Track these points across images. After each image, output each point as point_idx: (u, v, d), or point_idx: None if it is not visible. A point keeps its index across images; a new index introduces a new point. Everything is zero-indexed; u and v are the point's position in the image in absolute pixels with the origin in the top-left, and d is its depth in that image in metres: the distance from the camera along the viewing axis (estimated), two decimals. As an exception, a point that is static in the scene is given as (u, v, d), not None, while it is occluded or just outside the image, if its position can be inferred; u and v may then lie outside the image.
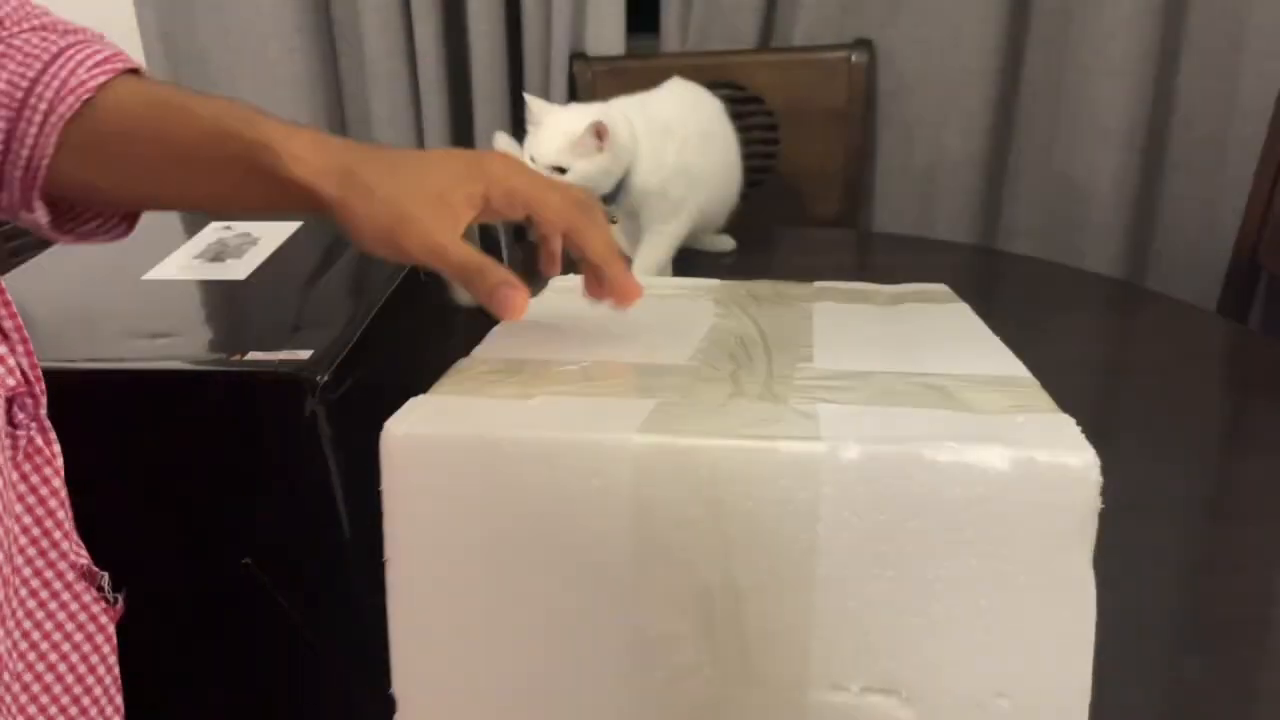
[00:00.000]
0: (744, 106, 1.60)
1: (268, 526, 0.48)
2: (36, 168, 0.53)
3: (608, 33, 1.62)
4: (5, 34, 0.54)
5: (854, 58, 1.57)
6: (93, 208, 0.58)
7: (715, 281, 0.76)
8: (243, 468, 0.59)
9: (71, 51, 0.54)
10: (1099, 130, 1.49)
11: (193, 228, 0.80)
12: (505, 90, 1.69)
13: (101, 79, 0.53)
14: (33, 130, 0.53)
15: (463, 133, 1.71)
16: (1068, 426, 0.55)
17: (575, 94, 1.61)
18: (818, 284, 0.75)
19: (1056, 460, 0.51)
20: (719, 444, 0.47)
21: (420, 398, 0.54)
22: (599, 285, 0.59)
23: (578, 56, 1.61)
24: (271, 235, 0.78)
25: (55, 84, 0.53)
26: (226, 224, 0.81)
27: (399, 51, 1.68)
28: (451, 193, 0.53)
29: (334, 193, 0.52)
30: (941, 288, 0.76)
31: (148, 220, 0.86)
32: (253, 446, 0.59)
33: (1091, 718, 0.67)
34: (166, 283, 0.70)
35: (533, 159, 1.11)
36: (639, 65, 1.59)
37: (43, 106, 0.53)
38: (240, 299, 0.68)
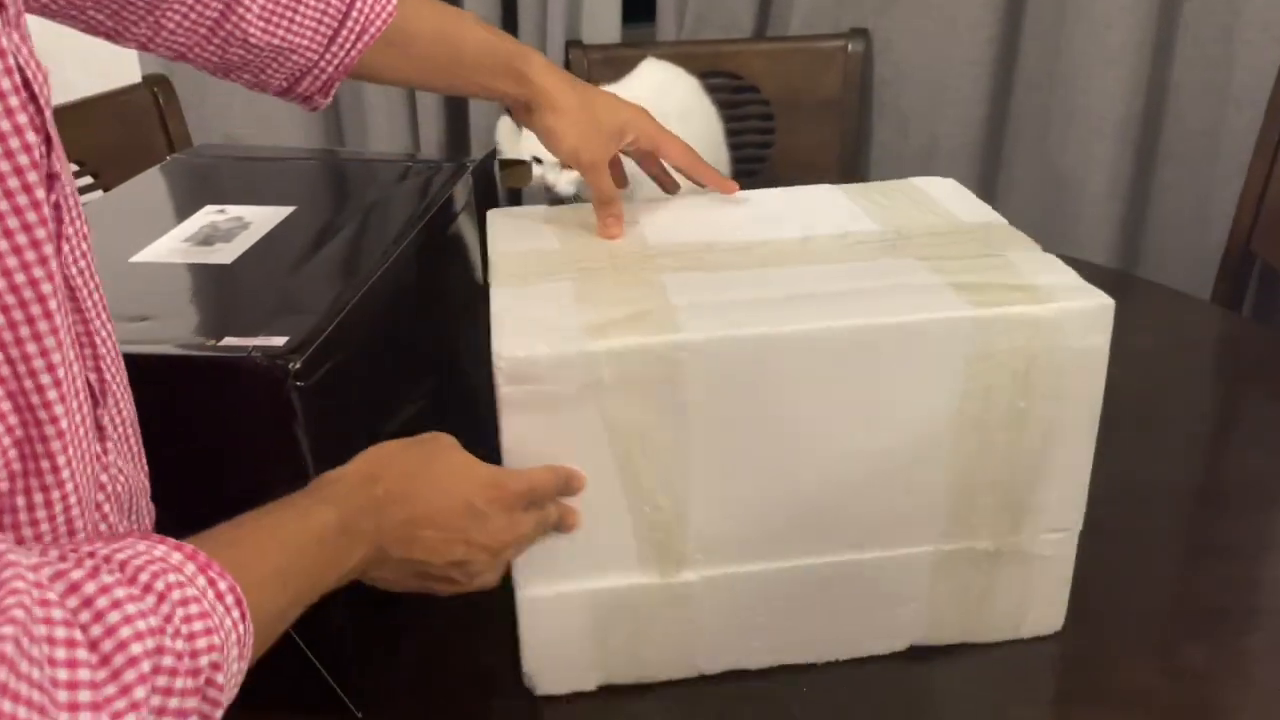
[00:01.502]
0: (739, 95, 1.59)
1: (241, 509, 0.48)
2: (346, 68, 0.72)
3: (603, 21, 1.61)
4: None
5: (850, 47, 1.57)
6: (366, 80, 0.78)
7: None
8: (218, 452, 0.59)
9: None
10: (1093, 120, 1.49)
11: (185, 211, 0.79)
12: (500, 78, 1.68)
13: (394, 2, 0.72)
14: (351, 38, 0.71)
15: (458, 120, 1.70)
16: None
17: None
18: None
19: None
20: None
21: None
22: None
23: (574, 45, 1.60)
24: (263, 220, 0.77)
25: (369, 1, 0.71)
26: (220, 208, 0.80)
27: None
28: (615, 136, 0.78)
29: (566, 104, 0.75)
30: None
31: (138, 204, 0.86)
32: (228, 431, 0.59)
33: (1093, 700, 0.67)
34: (153, 265, 0.70)
35: (537, 159, 1.12)
36: (635, 54, 1.58)
37: (360, 19, 0.71)
38: (224, 283, 0.68)
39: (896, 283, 0.64)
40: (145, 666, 0.38)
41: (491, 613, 0.66)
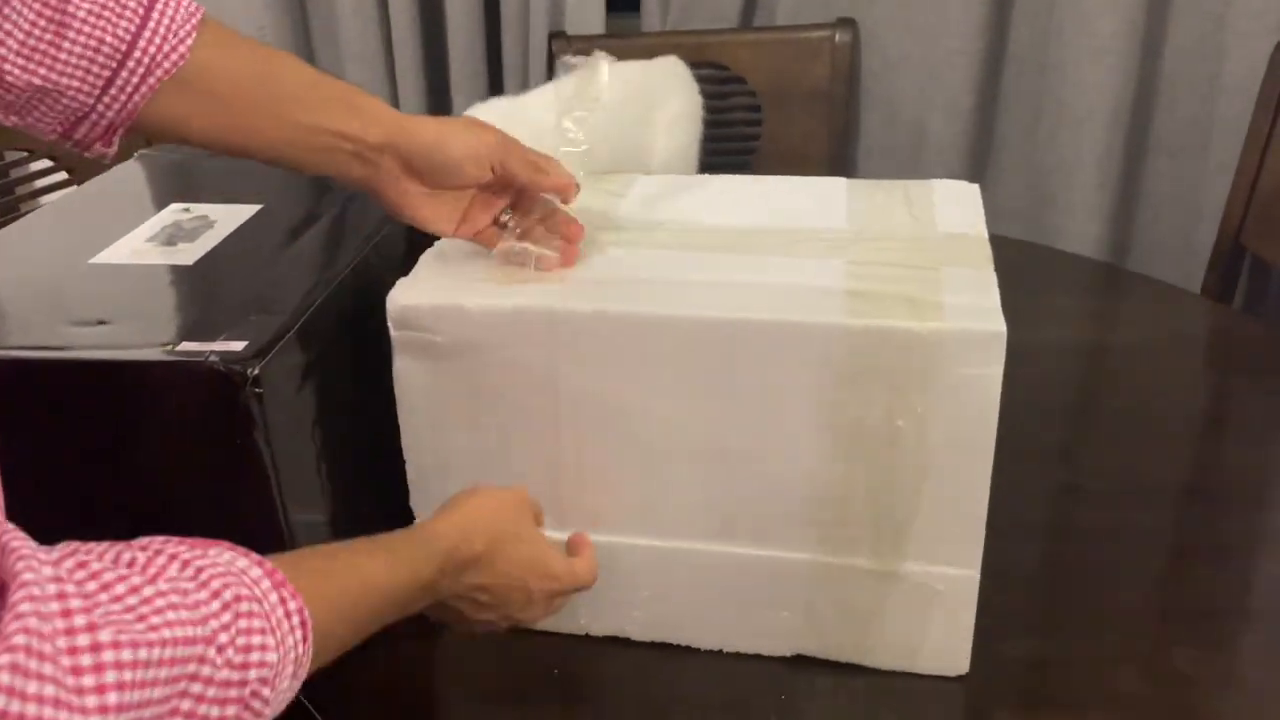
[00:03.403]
0: (726, 86, 1.57)
1: (204, 515, 0.47)
2: (129, 114, 0.62)
3: (587, 11, 1.59)
4: None
5: (837, 37, 1.55)
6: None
7: None
8: (179, 462, 0.58)
9: (161, 5, 0.61)
10: (1083, 111, 1.47)
11: (150, 209, 0.77)
12: (483, 70, 1.67)
13: (190, 43, 0.61)
14: (133, 80, 0.61)
15: (440, 112, 1.69)
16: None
17: (554, 74, 1.59)
18: None
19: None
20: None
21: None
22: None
23: (557, 35, 1.58)
24: (228, 219, 0.75)
25: (156, 40, 0.61)
26: (185, 205, 0.79)
27: (374, 30, 1.65)
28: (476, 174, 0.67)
29: (415, 125, 0.65)
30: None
31: (104, 201, 0.84)
32: (188, 440, 0.58)
33: (1078, 705, 0.66)
34: (113, 267, 0.68)
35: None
36: (619, 44, 1.56)
37: (145, 60, 0.60)
38: (186, 285, 0.66)
39: (799, 282, 0.64)
40: (176, 657, 0.39)
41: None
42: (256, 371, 0.55)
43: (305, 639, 0.45)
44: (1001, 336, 0.58)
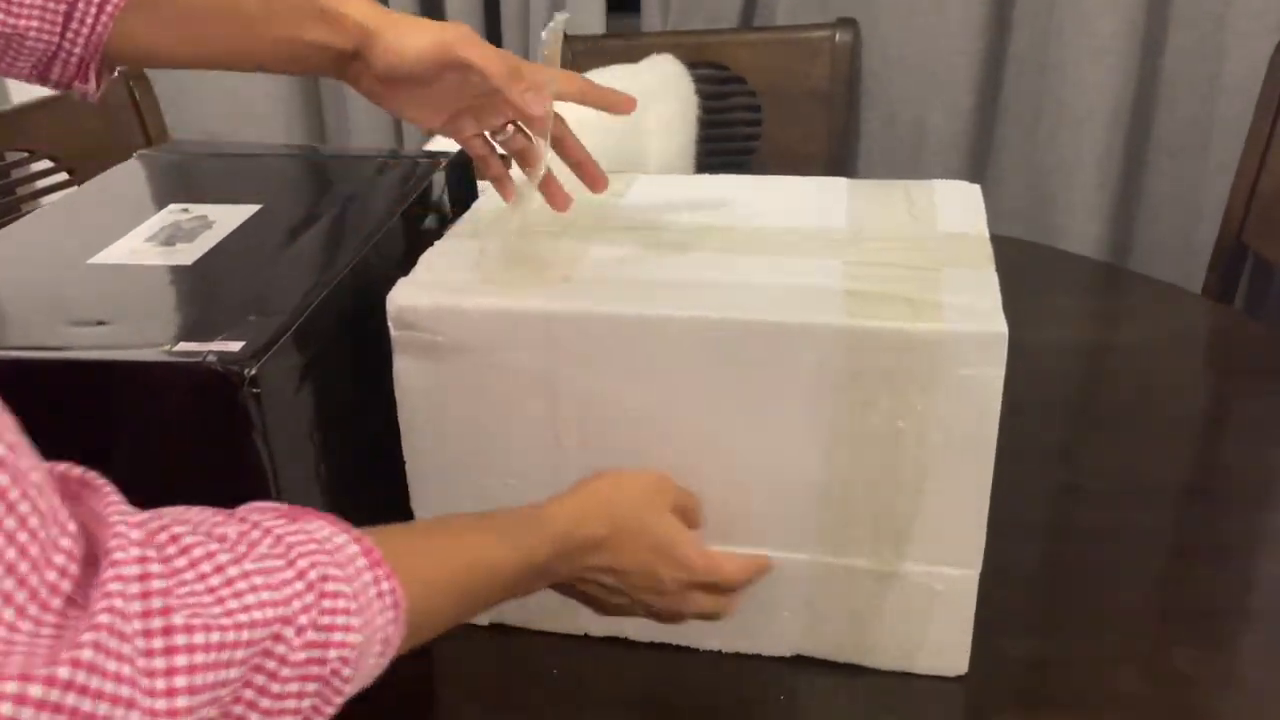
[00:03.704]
0: (726, 87, 1.57)
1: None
2: (95, 47, 0.61)
3: (588, 11, 1.59)
4: None
5: (837, 37, 1.55)
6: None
7: None
8: (178, 463, 0.58)
9: None
10: (1083, 110, 1.47)
11: (149, 209, 0.77)
12: (483, 70, 1.67)
13: None
14: (92, 10, 0.60)
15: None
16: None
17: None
18: None
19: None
20: None
21: None
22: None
23: (557, 36, 1.58)
24: (228, 218, 0.75)
25: None
26: (184, 206, 0.79)
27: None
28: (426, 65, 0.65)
29: (377, 23, 0.63)
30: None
31: (103, 201, 0.84)
32: (187, 441, 0.58)
33: (1079, 705, 0.66)
34: (111, 267, 0.68)
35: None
36: (620, 45, 1.56)
37: None
38: (184, 285, 0.66)
39: (799, 283, 0.64)
40: (253, 640, 0.39)
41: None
42: (254, 372, 0.55)
43: (396, 620, 0.45)
44: (1003, 337, 0.58)
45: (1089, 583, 0.76)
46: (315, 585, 0.42)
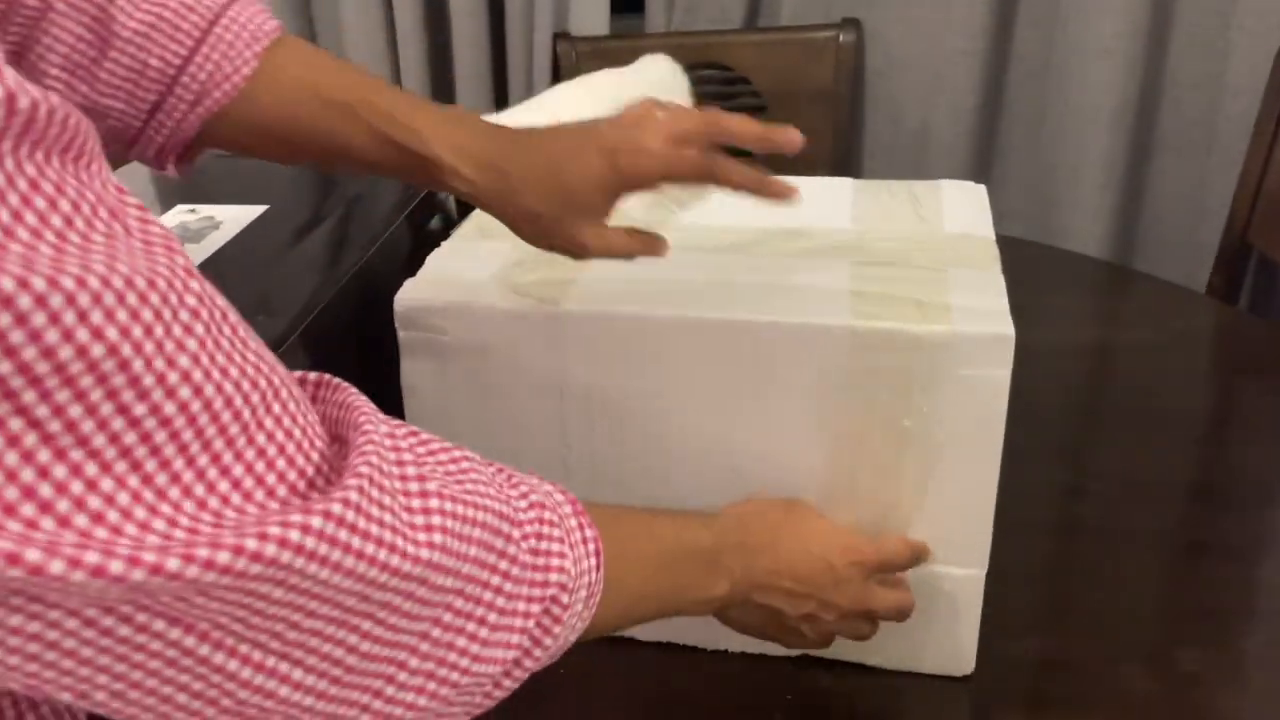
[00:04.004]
0: (731, 87, 1.57)
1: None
2: (180, 141, 0.58)
3: (592, 12, 1.59)
4: None
5: (842, 37, 1.55)
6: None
7: None
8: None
9: (220, 29, 0.55)
10: (1088, 110, 1.47)
11: (156, 210, 0.78)
12: (488, 70, 1.67)
13: (248, 70, 0.56)
14: (181, 108, 0.56)
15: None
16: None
17: (559, 75, 1.59)
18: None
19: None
20: None
21: None
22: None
23: (561, 36, 1.59)
24: (235, 220, 0.76)
25: (209, 67, 0.55)
26: (191, 207, 0.79)
27: (379, 31, 1.65)
28: (593, 202, 0.57)
29: (498, 209, 0.58)
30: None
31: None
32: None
33: (1084, 705, 0.66)
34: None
35: None
36: (623, 45, 1.57)
37: (195, 87, 0.55)
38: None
39: (805, 283, 0.64)
40: (487, 523, 0.41)
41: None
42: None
43: (598, 568, 0.46)
44: (1009, 339, 0.58)
45: (1095, 582, 0.76)
46: (535, 506, 0.43)
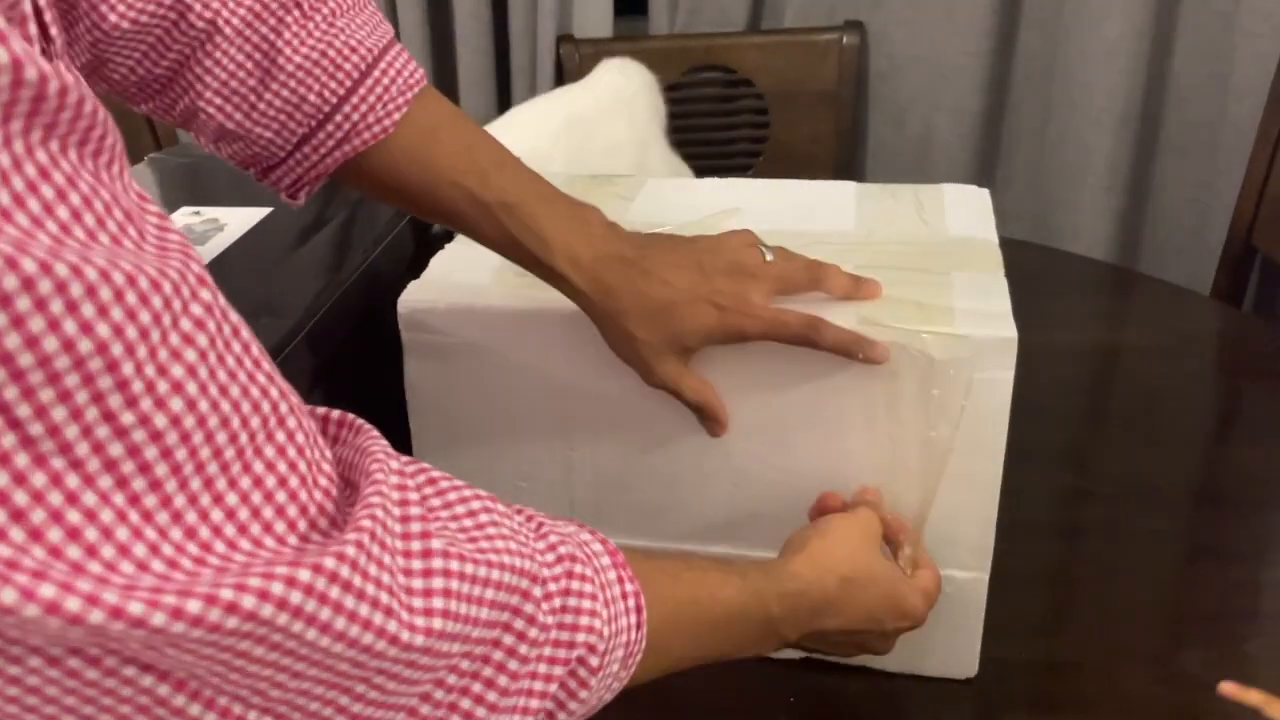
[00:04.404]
0: (733, 89, 1.58)
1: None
2: (317, 176, 0.58)
3: (595, 14, 1.59)
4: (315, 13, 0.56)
5: (845, 39, 1.55)
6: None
7: None
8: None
9: (378, 73, 0.56)
10: (1092, 112, 1.47)
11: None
12: (491, 73, 1.67)
13: (397, 115, 0.56)
14: (328, 144, 0.57)
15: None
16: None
17: (562, 78, 1.59)
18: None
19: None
20: None
21: None
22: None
23: (565, 39, 1.59)
24: (239, 222, 0.76)
25: (363, 108, 0.56)
26: (196, 209, 0.79)
27: (383, 34, 1.65)
28: (691, 344, 0.59)
29: (598, 319, 0.59)
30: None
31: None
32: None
33: (1087, 708, 0.66)
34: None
35: None
36: (627, 47, 1.56)
37: (346, 126, 0.56)
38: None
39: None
40: (503, 582, 0.38)
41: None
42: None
43: (639, 626, 0.43)
44: (1013, 343, 0.58)
45: (1099, 585, 0.75)
46: (564, 560, 0.40)
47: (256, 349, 0.33)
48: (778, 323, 0.58)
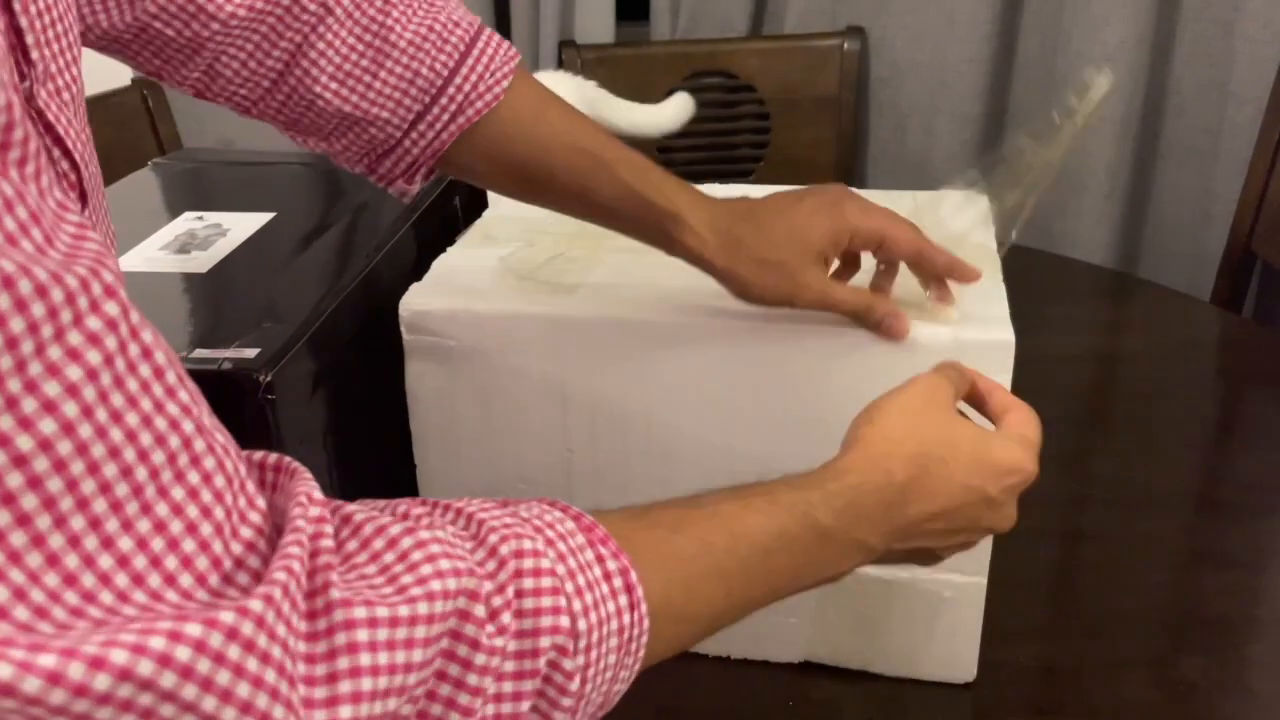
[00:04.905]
0: (735, 95, 1.58)
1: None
2: (433, 153, 0.59)
3: (597, 20, 1.60)
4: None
5: (846, 45, 1.55)
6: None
7: None
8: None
9: (481, 45, 0.58)
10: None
11: (164, 218, 0.78)
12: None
13: (506, 84, 0.58)
14: (443, 119, 0.58)
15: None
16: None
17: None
18: None
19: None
20: None
21: None
22: (946, 290, 0.62)
23: (567, 44, 1.59)
24: (242, 227, 0.76)
25: (472, 78, 0.58)
26: (199, 214, 0.79)
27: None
28: (823, 247, 0.59)
29: (724, 265, 0.59)
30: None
31: (119, 209, 0.84)
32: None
33: (1085, 713, 0.66)
34: (128, 274, 0.68)
35: None
36: (629, 53, 1.57)
37: (459, 98, 0.58)
38: (199, 293, 0.67)
39: None
40: (434, 614, 0.33)
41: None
42: (269, 378, 0.56)
43: (633, 606, 0.38)
44: (1010, 345, 0.58)
45: (1097, 590, 0.76)
46: (508, 560, 0.35)
47: (172, 377, 0.29)
48: (894, 224, 0.59)
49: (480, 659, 0.34)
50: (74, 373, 0.25)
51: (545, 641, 0.35)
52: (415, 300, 0.66)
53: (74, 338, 0.26)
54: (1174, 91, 1.48)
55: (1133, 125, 1.46)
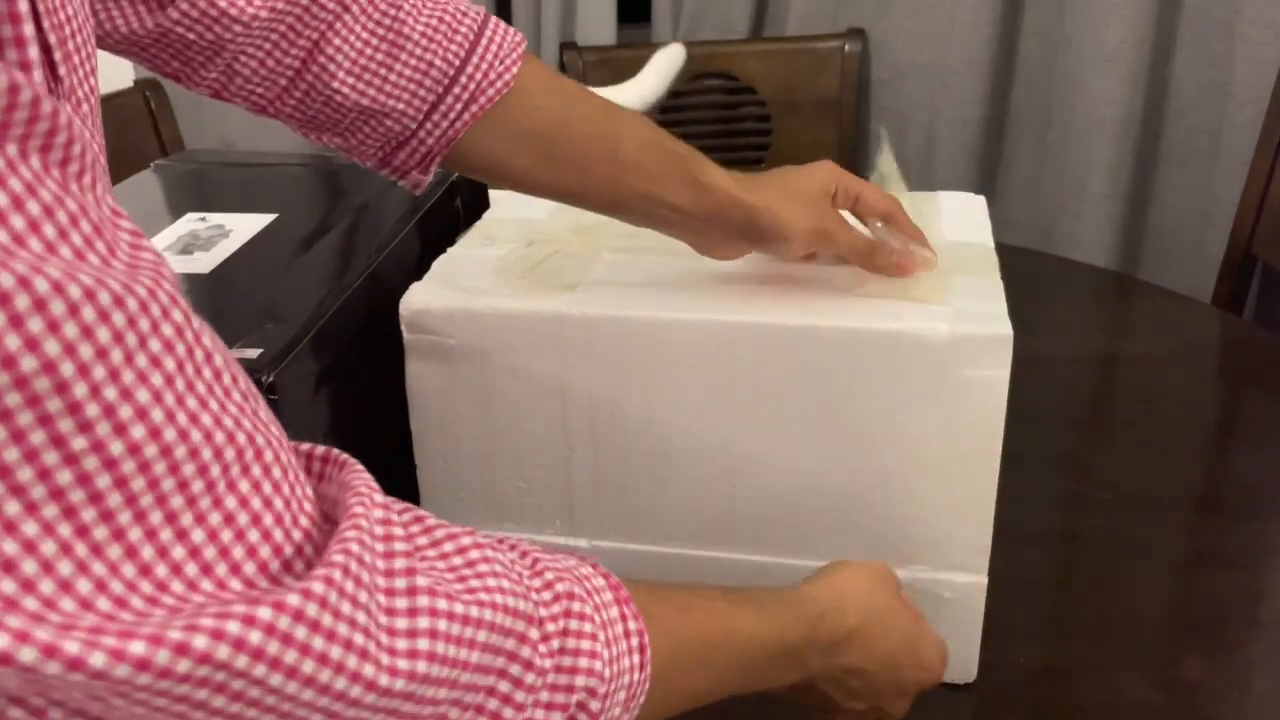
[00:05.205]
0: (736, 96, 1.58)
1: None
2: (448, 142, 0.60)
3: (598, 22, 1.60)
4: None
5: (847, 47, 1.56)
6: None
7: None
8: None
9: (489, 32, 0.60)
10: (1093, 120, 1.48)
11: (166, 219, 0.78)
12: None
13: (516, 69, 0.59)
14: (457, 107, 0.59)
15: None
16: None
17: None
18: None
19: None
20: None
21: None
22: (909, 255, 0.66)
23: (568, 46, 1.59)
24: (245, 227, 0.76)
25: (484, 65, 0.59)
26: (201, 215, 0.80)
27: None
28: (827, 187, 0.65)
29: (755, 200, 0.62)
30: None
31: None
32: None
33: (1085, 714, 0.66)
34: (131, 275, 0.69)
35: None
36: (630, 55, 1.57)
37: (471, 86, 0.59)
38: (202, 293, 0.67)
39: (806, 286, 0.65)
40: (495, 624, 0.35)
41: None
42: (272, 378, 0.56)
43: (643, 666, 0.40)
44: (1008, 340, 0.58)
45: (1098, 591, 0.76)
46: (562, 598, 0.38)
47: (228, 377, 0.30)
48: (876, 189, 0.66)
49: (530, 678, 0.36)
50: (157, 379, 0.27)
51: (580, 681, 0.38)
52: (415, 299, 0.66)
53: (154, 345, 0.27)
54: (1174, 93, 1.48)
55: (1133, 127, 1.47)
